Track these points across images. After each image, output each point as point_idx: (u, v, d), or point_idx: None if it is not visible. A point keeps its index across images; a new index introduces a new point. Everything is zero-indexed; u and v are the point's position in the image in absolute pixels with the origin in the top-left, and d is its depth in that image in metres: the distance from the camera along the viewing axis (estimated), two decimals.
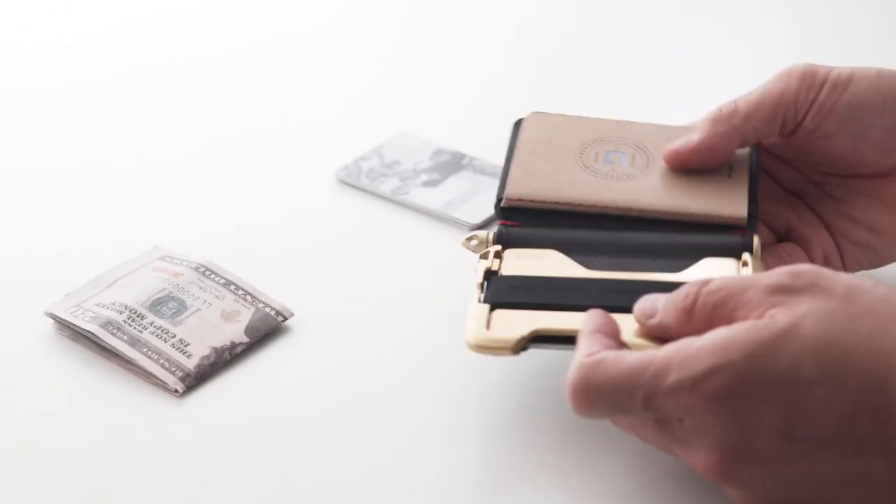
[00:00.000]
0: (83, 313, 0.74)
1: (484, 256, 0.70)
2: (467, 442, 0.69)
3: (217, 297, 0.76)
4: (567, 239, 0.71)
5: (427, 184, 0.87)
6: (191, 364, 0.72)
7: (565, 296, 0.67)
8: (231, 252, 0.81)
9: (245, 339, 0.75)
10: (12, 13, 1.10)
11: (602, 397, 0.60)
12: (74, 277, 0.78)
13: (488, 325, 0.66)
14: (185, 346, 0.73)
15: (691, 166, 0.73)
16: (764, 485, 0.60)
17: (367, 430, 0.70)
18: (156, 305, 0.75)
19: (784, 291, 0.60)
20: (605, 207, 0.71)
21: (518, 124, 0.79)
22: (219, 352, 0.74)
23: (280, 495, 0.66)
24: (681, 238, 0.70)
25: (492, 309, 0.67)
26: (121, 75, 1.01)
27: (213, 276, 0.78)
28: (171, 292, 0.76)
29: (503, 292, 0.68)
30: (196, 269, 0.78)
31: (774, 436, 0.58)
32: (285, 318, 0.76)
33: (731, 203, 0.71)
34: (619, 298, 0.66)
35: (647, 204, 0.71)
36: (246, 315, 0.76)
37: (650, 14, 1.08)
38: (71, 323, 0.74)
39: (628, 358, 0.60)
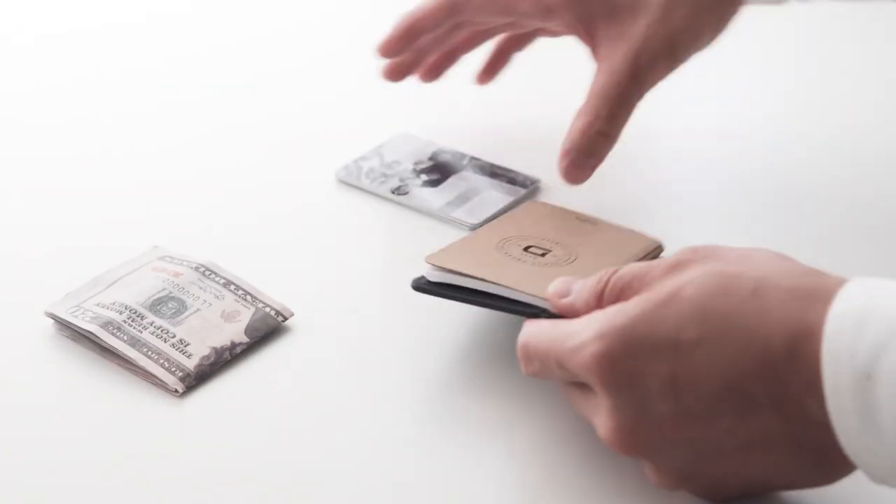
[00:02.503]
0: (83, 313, 0.74)
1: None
2: (469, 442, 0.69)
3: (217, 297, 0.76)
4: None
5: (427, 184, 0.87)
6: (191, 364, 0.72)
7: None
8: (231, 252, 0.81)
9: (245, 340, 0.74)
10: (7, 9, 1.10)
11: (534, 360, 0.66)
12: (74, 277, 0.77)
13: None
14: (185, 346, 0.73)
15: None
16: (666, 454, 0.62)
17: (367, 431, 0.70)
18: (156, 305, 0.75)
19: (681, 265, 0.63)
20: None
21: None
22: (219, 352, 0.73)
23: (280, 495, 0.66)
24: None
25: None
26: (120, 74, 1.01)
27: (213, 276, 0.78)
28: (171, 292, 0.76)
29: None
30: (196, 269, 0.78)
31: (663, 399, 0.61)
32: (285, 318, 0.76)
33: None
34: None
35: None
36: (246, 315, 0.76)
37: None
38: (71, 323, 0.74)
39: (561, 324, 0.65)
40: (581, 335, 0.63)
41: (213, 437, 0.69)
